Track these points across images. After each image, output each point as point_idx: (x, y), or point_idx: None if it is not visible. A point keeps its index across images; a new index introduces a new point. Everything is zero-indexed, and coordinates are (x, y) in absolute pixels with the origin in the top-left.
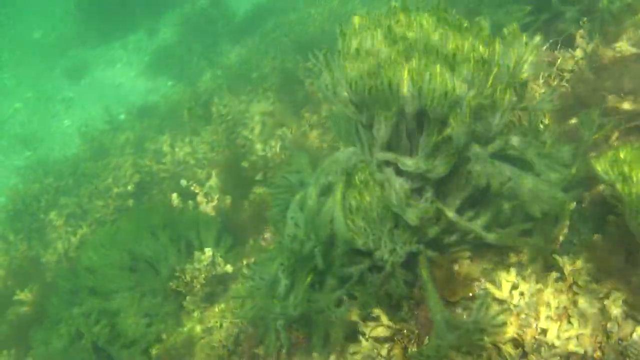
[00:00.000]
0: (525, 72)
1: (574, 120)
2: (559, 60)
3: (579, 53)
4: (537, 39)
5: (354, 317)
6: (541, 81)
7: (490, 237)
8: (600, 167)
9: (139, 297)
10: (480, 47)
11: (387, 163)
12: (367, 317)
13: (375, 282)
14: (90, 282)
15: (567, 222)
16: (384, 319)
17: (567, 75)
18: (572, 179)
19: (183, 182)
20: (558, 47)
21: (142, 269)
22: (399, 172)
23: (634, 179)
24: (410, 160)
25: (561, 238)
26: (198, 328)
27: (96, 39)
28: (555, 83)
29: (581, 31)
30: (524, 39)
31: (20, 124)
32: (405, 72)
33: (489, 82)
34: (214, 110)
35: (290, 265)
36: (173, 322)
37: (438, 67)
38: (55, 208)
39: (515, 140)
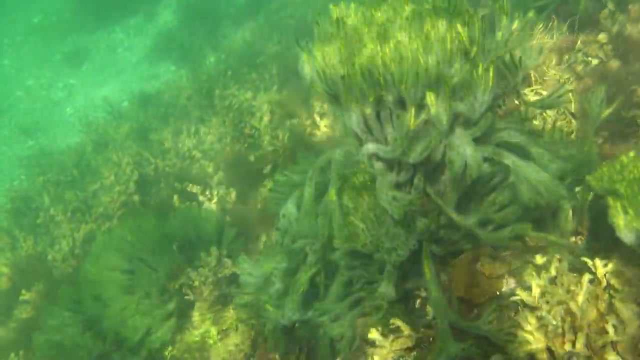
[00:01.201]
0: (510, 47)
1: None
2: (578, 43)
3: (602, 38)
4: (530, 14)
5: (374, 333)
6: (565, 66)
7: (484, 235)
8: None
9: (137, 299)
10: (459, 25)
11: (377, 157)
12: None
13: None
14: (92, 290)
15: (570, 216)
16: (405, 329)
17: (593, 62)
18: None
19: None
20: (575, 29)
21: (141, 273)
22: (391, 166)
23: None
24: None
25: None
26: (213, 330)
27: (95, 22)
28: (580, 68)
29: (605, 11)
30: (517, 16)
31: (22, 112)
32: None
33: (470, 60)
34: (218, 101)
35: (286, 268)
36: (175, 323)
37: (409, 48)
38: (60, 203)
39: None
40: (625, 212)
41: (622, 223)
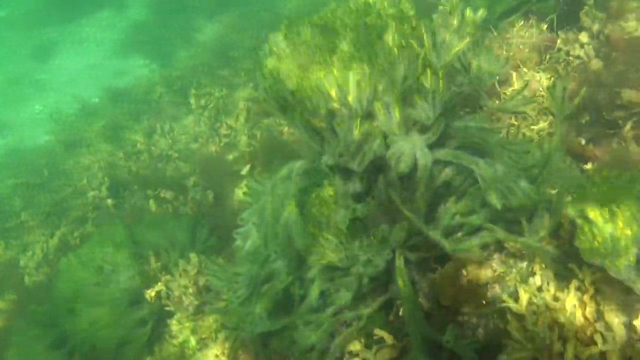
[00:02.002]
0: (455, 48)
1: (585, 119)
2: (558, 42)
3: (583, 37)
4: (480, 12)
5: (357, 346)
6: (545, 66)
7: (448, 246)
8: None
9: (109, 311)
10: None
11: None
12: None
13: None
14: (64, 304)
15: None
16: (388, 339)
17: (574, 62)
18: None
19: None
20: (555, 28)
21: (113, 284)
22: (347, 176)
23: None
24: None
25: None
26: (192, 339)
27: (64, 15)
28: (561, 68)
29: (586, 8)
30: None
31: None
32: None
33: (419, 66)
34: (193, 101)
35: (250, 275)
36: (150, 330)
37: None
38: (32, 206)
39: (473, 125)
40: (593, 239)
41: (586, 247)
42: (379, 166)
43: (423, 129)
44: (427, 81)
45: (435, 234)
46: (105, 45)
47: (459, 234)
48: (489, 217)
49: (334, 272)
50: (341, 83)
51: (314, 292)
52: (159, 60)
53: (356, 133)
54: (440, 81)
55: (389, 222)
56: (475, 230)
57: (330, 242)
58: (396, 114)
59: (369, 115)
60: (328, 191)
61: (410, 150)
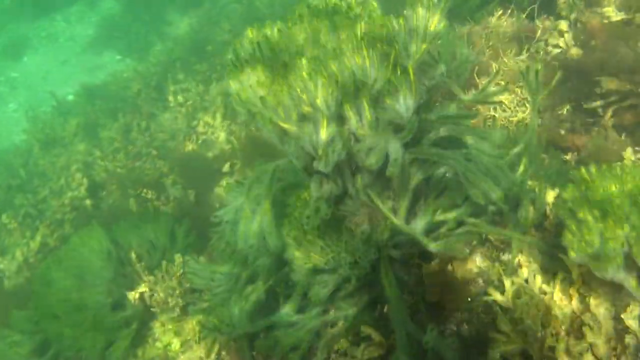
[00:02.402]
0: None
1: (566, 109)
2: (538, 32)
3: (563, 25)
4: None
5: (344, 344)
6: (524, 56)
7: (432, 246)
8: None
9: (92, 315)
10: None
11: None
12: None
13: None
14: (46, 310)
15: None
16: (376, 337)
17: (554, 51)
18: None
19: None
20: (535, 16)
21: (93, 287)
22: (323, 178)
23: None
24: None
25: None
26: (176, 342)
27: (34, 10)
28: (541, 56)
29: None
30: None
31: None
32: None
33: (390, 65)
34: (171, 98)
35: (228, 273)
36: (134, 331)
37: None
38: (10, 208)
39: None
40: (580, 240)
41: (574, 247)
42: (356, 167)
43: (397, 129)
44: (398, 81)
45: (416, 234)
46: (78, 41)
47: (442, 230)
48: (471, 210)
49: (319, 273)
50: (310, 87)
51: (297, 293)
52: (133, 55)
53: (323, 134)
54: (412, 80)
55: (372, 222)
56: (458, 225)
57: (315, 245)
58: (367, 115)
59: (339, 118)
60: (309, 193)
61: (382, 145)
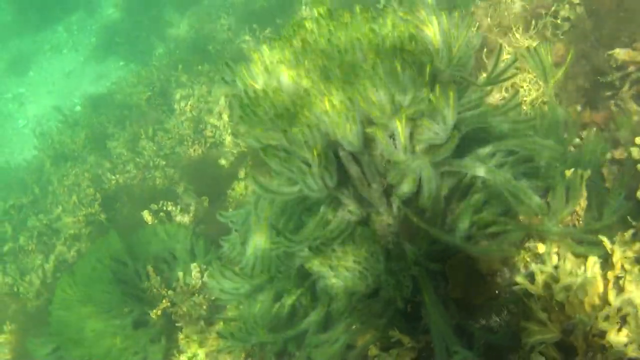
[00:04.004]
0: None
1: (580, 82)
2: (553, 7)
3: None
4: None
5: (374, 350)
6: (533, 32)
7: (474, 249)
8: None
9: (121, 334)
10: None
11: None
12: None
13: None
14: (70, 335)
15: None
16: (406, 341)
17: (564, 25)
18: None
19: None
20: None
21: (117, 305)
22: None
23: None
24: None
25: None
26: (201, 353)
27: (36, 23)
28: (549, 33)
29: None
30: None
31: None
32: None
33: (425, 81)
34: (176, 106)
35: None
36: (164, 346)
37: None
38: (25, 229)
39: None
40: None
41: None
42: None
43: (433, 149)
44: (438, 101)
45: (457, 241)
46: (81, 50)
47: (477, 231)
48: (503, 208)
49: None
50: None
51: (322, 304)
52: (136, 60)
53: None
54: (451, 96)
55: (406, 235)
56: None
57: (353, 269)
58: (402, 138)
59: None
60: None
61: (416, 173)
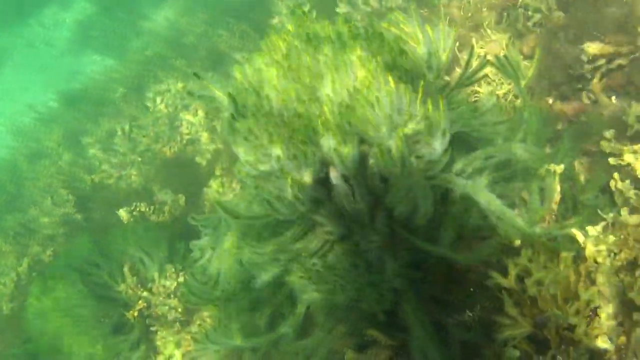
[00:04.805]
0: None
1: (550, 75)
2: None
3: None
4: None
5: (350, 354)
6: (506, 25)
7: (460, 258)
8: None
9: (101, 342)
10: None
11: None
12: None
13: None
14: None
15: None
16: (383, 340)
17: (535, 17)
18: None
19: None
20: None
21: (92, 310)
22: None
23: None
24: None
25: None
26: (177, 355)
27: (8, 17)
28: (521, 25)
29: None
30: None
31: None
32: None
33: (419, 97)
34: (149, 104)
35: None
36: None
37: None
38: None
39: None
40: None
41: None
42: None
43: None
44: (436, 118)
45: (443, 251)
46: (55, 45)
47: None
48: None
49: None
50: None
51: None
52: (112, 54)
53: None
54: (442, 110)
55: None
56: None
57: (335, 282)
58: (399, 156)
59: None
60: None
61: (412, 194)
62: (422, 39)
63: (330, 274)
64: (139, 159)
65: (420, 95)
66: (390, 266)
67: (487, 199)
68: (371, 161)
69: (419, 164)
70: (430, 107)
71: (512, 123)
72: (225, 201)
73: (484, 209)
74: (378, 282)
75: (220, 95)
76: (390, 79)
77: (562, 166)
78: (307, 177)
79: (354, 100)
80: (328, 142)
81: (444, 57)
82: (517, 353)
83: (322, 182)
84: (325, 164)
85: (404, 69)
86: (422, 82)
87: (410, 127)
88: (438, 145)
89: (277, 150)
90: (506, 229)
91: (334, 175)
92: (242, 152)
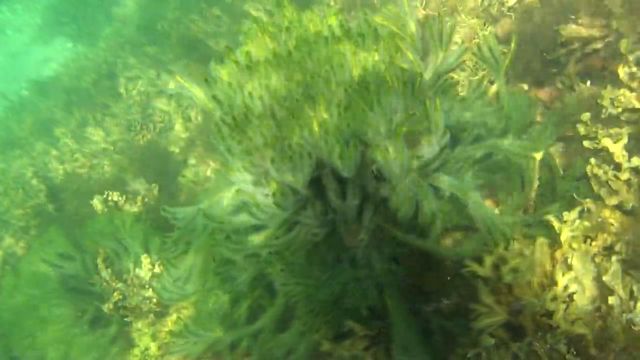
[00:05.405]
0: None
1: (526, 60)
2: None
3: None
4: None
5: (326, 345)
6: (480, 10)
7: (447, 253)
8: None
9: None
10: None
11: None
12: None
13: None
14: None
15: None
16: (359, 330)
17: (510, 1)
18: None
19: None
20: None
21: (66, 304)
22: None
23: None
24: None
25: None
26: (153, 346)
27: None
28: (496, 10)
29: None
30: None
31: None
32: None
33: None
34: (122, 90)
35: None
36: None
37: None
38: None
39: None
40: None
41: None
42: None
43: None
44: (434, 118)
45: (431, 246)
46: (26, 31)
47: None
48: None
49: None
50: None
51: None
52: (84, 40)
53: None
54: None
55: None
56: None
57: (318, 276)
58: (399, 157)
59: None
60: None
61: (413, 193)
62: (417, 35)
63: (312, 268)
64: (112, 148)
65: (417, 95)
66: (377, 262)
67: (475, 202)
68: (369, 161)
69: (417, 164)
70: (429, 106)
71: (497, 114)
72: (207, 208)
73: (471, 213)
74: (363, 277)
75: (197, 93)
76: (387, 78)
77: (541, 153)
78: (300, 179)
79: (351, 100)
80: (327, 145)
81: (441, 55)
82: (492, 341)
83: (314, 182)
84: (321, 165)
85: (400, 67)
86: (418, 81)
87: (409, 127)
88: (436, 144)
89: (270, 153)
90: (492, 233)
91: (325, 173)
92: (233, 157)
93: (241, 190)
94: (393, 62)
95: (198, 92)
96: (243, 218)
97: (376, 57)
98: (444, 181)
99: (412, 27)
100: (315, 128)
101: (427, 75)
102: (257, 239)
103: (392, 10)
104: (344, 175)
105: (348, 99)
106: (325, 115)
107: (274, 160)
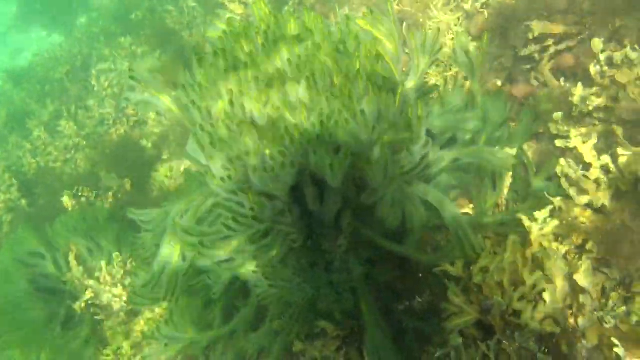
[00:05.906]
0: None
1: (499, 56)
2: None
3: None
4: None
5: (299, 346)
6: (454, 5)
7: (426, 259)
8: None
9: (48, 337)
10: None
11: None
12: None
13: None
14: None
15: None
16: (331, 330)
17: None
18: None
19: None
20: None
21: (37, 304)
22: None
23: None
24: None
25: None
26: (125, 345)
27: None
28: (469, 6)
29: None
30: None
31: None
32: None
33: (398, 105)
34: (94, 82)
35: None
36: (96, 347)
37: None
38: None
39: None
40: None
41: None
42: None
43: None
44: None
45: (409, 252)
46: (1, 20)
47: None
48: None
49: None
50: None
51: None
52: (58, 30)
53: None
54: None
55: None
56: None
57: (291, 281)
58: (381, 166)
59: None
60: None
61: (401, 204)
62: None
63: (287, 271)
64: (85, 142)
65: (398, 103)
66: (355, 266)
67: (451, 214)
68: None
69: (400, 171)
70: (410, 114)
71: (474, 115)
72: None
73: (446, 224)
74: (339, 281)
75: (165, 103)
76: (370, 86)
77: (514, 151)
78: (280, 188)
79: (333, 109)
80: (316, 155)
81: (423, 64)
82: (460, 340)
83: (292, 188)
84: (301, 172)
85: (381, 75)
86: (400, 89)
87: (391, 136)
88: (418, 153)
89: (253, 161)
90: (464, 248)
91: (304, 179)
92: (212, 161)
93: (217, 202)
94: (374, 69)
95: (166, 101)
96: (217, 228)
97: (357, 66)
98: (423, 189)
99: (395, 34)
100: (296, 136)
101: (409, 84)
102: (232, 244)
103: (374, 14)
104: (332, 185)
105: (330, 108)
106: (305, 124)
107: (256, 169)
